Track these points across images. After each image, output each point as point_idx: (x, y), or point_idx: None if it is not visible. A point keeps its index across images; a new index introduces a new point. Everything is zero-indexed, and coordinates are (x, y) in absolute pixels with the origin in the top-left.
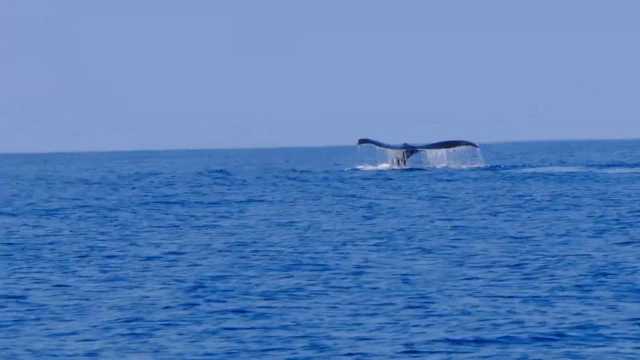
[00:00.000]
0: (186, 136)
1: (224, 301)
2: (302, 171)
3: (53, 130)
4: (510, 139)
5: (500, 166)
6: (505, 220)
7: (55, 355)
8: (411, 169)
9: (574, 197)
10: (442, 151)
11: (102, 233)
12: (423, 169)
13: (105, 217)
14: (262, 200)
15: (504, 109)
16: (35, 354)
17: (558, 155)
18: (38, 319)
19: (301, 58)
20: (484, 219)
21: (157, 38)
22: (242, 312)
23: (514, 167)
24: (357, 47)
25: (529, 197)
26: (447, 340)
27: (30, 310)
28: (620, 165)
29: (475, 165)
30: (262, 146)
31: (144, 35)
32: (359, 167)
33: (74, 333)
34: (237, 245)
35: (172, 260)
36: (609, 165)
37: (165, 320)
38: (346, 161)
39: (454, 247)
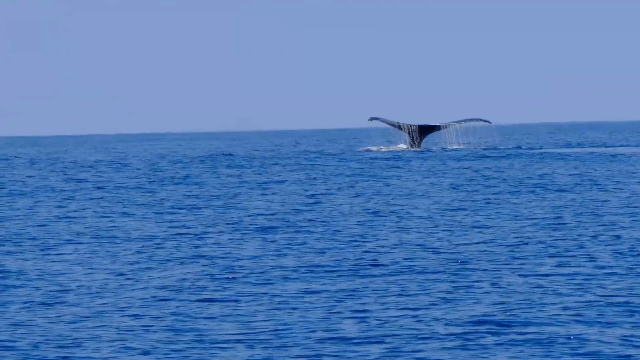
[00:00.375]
0: (188, 122)
1: (264, 282)
2: (314, 152)
3: (53, 130)
4: (514, 122)
5: (521, 147)
6: (533, 200)
7: (98, 336)
8: (427, 150)
9: (597, 176)
10: (456, 126)
11: (125, 214)
12: (439, 150)
13: (126, 198)
14: (282, 181)
15: (506, 91)
16: (79, 333)
17: (570, 136)
18: (78, 298)
19: (302, 48)
20: (510, 200)
21: (157, 38)
22: (284, 291)
23: (531, 147)
24: (362, 37)
25: (553, 177)
26: (493, 321)
27: (68, 290)
28: (637, 145)
29: (493, 146)
30: (266, 129)
31: (143, 35)
32: (373, 148)
33: (115, 312)
34: (266, 226)
35: (201, 240)
36: (627, 145)
37: (206, 301)
38: (360, 143)
39: (487, 226)
